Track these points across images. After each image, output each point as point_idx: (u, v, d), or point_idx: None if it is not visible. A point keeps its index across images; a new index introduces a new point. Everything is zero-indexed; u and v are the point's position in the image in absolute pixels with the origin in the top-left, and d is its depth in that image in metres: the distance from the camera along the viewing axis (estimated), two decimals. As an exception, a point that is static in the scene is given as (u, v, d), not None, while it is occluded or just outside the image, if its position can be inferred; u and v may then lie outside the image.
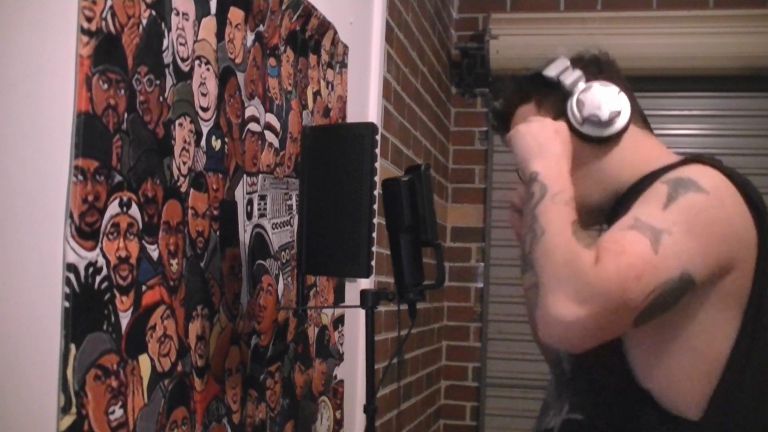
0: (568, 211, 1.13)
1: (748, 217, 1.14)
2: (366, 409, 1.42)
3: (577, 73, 1.28)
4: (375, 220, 1.37)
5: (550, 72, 1.30)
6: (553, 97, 1.30)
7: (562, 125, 1.26)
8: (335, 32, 1.88)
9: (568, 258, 1.07)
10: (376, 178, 1.37)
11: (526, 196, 1.19)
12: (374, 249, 1.37)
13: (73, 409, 0.98)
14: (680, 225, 1.09)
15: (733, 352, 1.14)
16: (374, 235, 1.36)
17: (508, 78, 1.41)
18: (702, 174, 1.15)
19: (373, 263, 1.36)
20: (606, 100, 1.25)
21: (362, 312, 1.45)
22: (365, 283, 1.91)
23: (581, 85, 1.27)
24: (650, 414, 1.16)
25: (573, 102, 1.27)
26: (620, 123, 1.26)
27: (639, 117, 1.32)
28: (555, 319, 1.06)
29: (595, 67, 1.31)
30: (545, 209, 1.14)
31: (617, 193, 1.27)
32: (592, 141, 1.27)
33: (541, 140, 1.22)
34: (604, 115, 1.25)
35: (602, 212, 1.31)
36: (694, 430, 1.14)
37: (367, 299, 1.42)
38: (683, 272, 1.07)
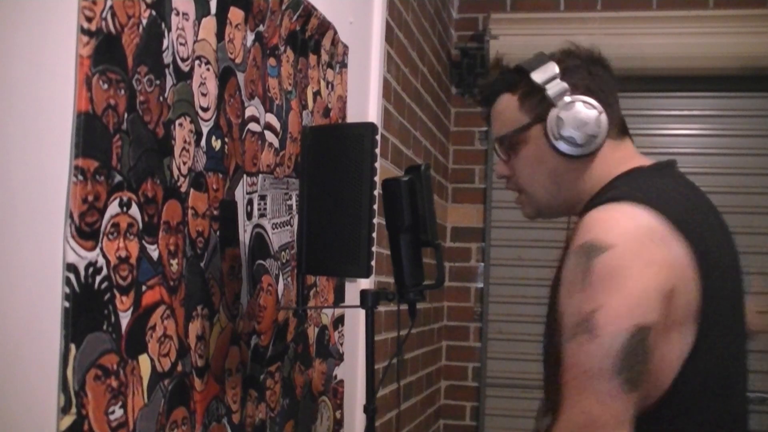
0: None
1: (674, 243, 1.17)
2: (366, 409, 1.42)
3: (563, 85, 1.32)
4: (375, 220, 1.37)
5: (537, 78, 1.33)
6: (536, 100, 1.34)
7: None
8: (335, 32, 1.88)
9: None
10: (376, 178, 1.37)
11: None
12: (374, 249, 1.37)
13: (73, 409, 0.98)
14: (605, 291, 1.13)
15: (684, 364, 1.18)
16: (374, 235, 1.36)
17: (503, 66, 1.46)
18: (603, 226, 1.18)
19: (373, 263, 1.36)
20: (585, 123, 1.29)
21: (362, 312, 1.45)
22: (365, 283, 1.91)
23: (566, 98, 1.31)
24: None
25: (553, 116, 1.31)
26: (593, 146, 1.31)
27: (615, 127, 1.35)
28: None
29: (584, 71, 1.34)
30: None
31: (580, 200, 1.34)
32: (565, 157, 1.32)
33: None
34: (580, 138, 1.30)
35: (563, 212, 1.41)
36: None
37: (367, 299, 1.42)
38: (631, 327, 1.11)
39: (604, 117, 1.30)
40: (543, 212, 1.42)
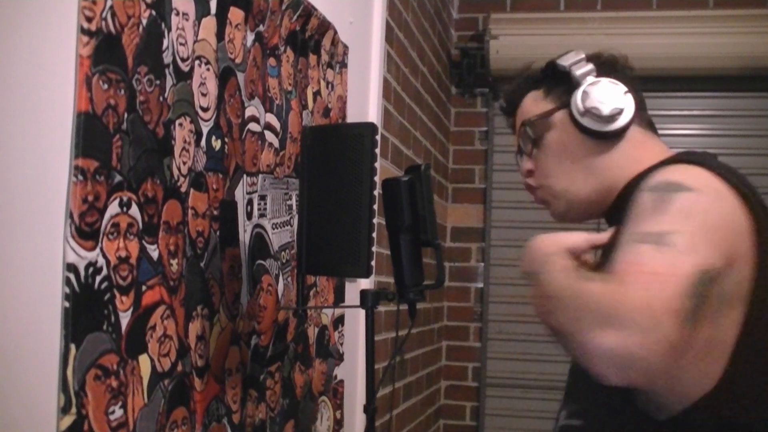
0: (566, 265, 1.06)
1: (741, 212, 1.09)
2: (366, 409, 1.42)
3: (589, 66, 1.28)
4: (375, 220, 1.37)
5: (564, 61, 1.30)
6: (561, 88, 1.31)
7: (572, 238, 1.15)
8: (335, 32, 1.88)
9: (582, 300, 0.97)
10: (376, 178, 1.37)
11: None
12: (374, 249, 1.37)
13: (73, 409, 0.98)
14: (683, 222, 1.01)
15: (735, 350, 1.08)
16: (374, 235, 1.36)
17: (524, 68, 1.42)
18: (686, 174, 1.10)
19: (373, 263, 1.36)
20: (611, 96, 1.25)
21: (362, 312, 1.45)
22: (365, 283, 1.91)
23: (590, 78, 1.28)
24: (646, 424, 1.11)
25: (579, 92, 1.26)
26: (621, 121, 1.25)
27: (644, 121, 1.31)
28: (616, 355, 0.91)
29: (610, 66, 1.32)
30: (547, 280, 1.07)
31: (610, 191, 1.26)
32: (591, 135, 1.26)
33: (546, 252, 1.13)
34: (606, 110, 1.24)
35: (595, 208, 1.30)
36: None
37: (367, 299, 1.42)
38: (708, 264, 0.99)
39: (630, 96, 1.26)
40: (571, 207, 1.31)
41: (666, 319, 0.90)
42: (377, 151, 1.37)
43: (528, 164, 1.35)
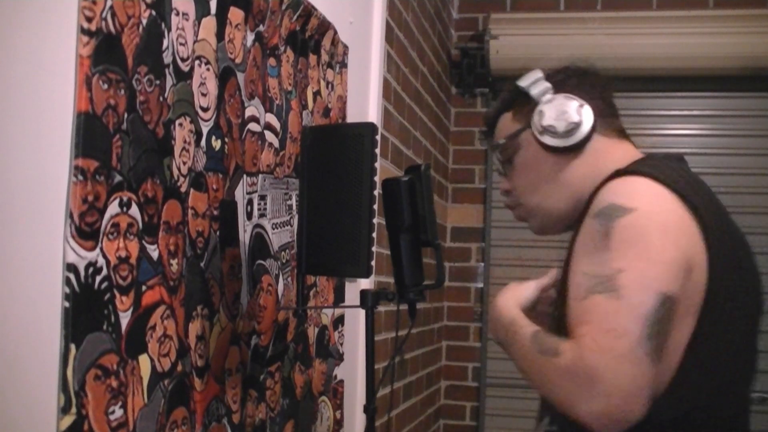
0: (528, 335, 1.18)
1: (686, 216, 1.13)
2: (366, 409, 1.42)
3: (546, 84, 1.34)
4: (375, 220, 1.37)
5: (522, 82, 1.36)
6: (526, 108, 1.36)
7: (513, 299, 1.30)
8: (335, 32, 1.88)
9: (548, 377, 1.10)
10: (376, 178, 1.37)
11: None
12: (374, 249, 1.37)
13: (73, 409, 0.98)
14: (627, 255, 1.07)
15: (687, 352, 1.13)
16: (374, 235, 1.36)
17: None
18: (624, 191, 1.15)
19: (373, 263, 1.36)
20: (566, 111, 1.30)
21: (362, 312, 1.45)
22: (365, 283, 1.91)
23: (547, 96, 1.33)
24: None
25: (536, 112, 1.32)
26: (579, 135, 1.29)
27: (609, 127, 1.35)
28: (606, 417, 1.03)
29: (574, 79, 1.35)
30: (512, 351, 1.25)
31: (579, 202, 1.29)
32: (552, 151, 1.32)
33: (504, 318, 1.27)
34: (561, 126, 1.30)
35: (571, 218, 1.32)
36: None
37: (367, 299, 1.42)
38: (659, 294, 1.06)
39: (587, 108, 1.30)
40: (547, 222, 1.38)
41: (637, 370, 1.02)
42: (377, 151, 1.37)
43: (505, 184, 1.43)
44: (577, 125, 1.29)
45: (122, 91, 1.07)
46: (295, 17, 1.66)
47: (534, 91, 1.33)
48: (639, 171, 1.19)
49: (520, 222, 1.44)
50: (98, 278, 1.03)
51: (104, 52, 1.03)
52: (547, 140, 1.31)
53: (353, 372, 2.08)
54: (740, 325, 1.19)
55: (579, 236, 1.17)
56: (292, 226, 1.68)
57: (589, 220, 1.15)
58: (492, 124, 1.46)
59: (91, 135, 1.01)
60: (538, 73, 1.35)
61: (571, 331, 1.09)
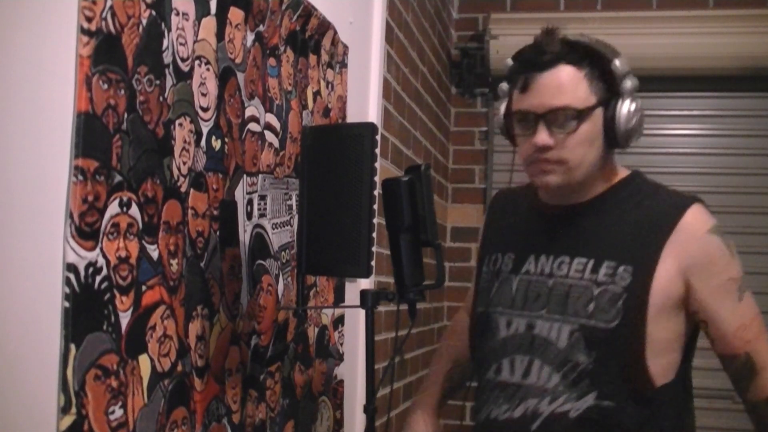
0: None
1: None
2: (366, 409, 1.42)
3: (635, 82, 1.42)
4: (375, 220, 1.37)
5: (623, 67, 1.41)
6: (603, 85, 1.41)
7: None
8: (335, 32, 1.88)
9: None
10: (376, 178, 1.37)
11: None
12: (374, 249, 1.37)
13: (73, 409, 0.98)
14: (739, 263, 1.45)
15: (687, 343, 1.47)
16: (374, 235, 1.36)
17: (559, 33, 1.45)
18: (709, 215, 1.45)
19: (373, 263, 1.36)
20: (640, 124, 1.43)
21: (362, 312, 1.45)
22: (365, 283, 1.91)
23: (634, 96, 1.42)
24: (667, 405, 1.42)
25: (623, 108, 1.40)
26: (629, 143, 1.44)
27: None
28: None
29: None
30: None
31: (593, 183, 1.47)
32: (611, 144, 1.44)
33: None
34: (631, 136, 1.43)
35: (577, 186, 1.46)
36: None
37: (367, 299, 1.42)
38: None
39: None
40: (570, 184, 1.45)
41: None
42: (377, 151, 1.37)
43: (549, 140, 1.40)
44: (635, 137, 1.44)
45: (122, 91, 1.07)
46: (295, 17, 1.66)
47: (627, 85, 1.41)
48: (695, 199, 1.45)
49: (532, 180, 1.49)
50: (98, 278, 1.03)
51: (104, 52, 1.03)
52: (611, 134, 1.41)
53: (353, 372, 2.08)
54: None
55: (707, 243, 1.42)
56: (292, 226, 1.68)
57: (711, 234, 1.41)
58: (548, 63, 1.39)
59: (91, 135, 1.01)
60: (627, 66, 1.41)
61: (736, 329, 1.42)
